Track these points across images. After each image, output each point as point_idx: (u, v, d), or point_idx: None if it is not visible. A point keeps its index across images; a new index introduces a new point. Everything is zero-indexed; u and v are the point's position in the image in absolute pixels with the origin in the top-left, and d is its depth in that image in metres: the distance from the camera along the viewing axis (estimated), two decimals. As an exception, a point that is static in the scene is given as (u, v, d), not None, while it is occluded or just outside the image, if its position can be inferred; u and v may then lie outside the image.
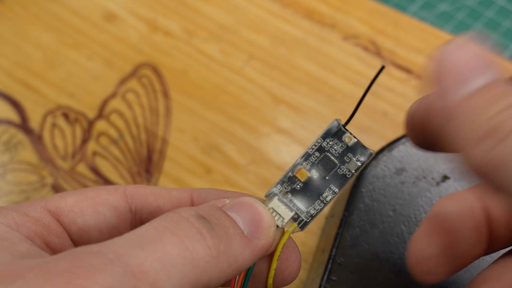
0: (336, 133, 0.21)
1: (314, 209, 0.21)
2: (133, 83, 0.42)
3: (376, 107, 0.40)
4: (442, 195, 0.29)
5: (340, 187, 0.21)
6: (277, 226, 0.21)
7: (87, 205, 0.20)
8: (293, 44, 0.43)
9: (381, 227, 0.28)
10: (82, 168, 0.39)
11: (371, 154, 0.21)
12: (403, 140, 0.30)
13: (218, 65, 0.43)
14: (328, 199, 0.21)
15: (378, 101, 0.41)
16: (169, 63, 0.43)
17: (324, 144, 0.21)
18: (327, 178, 0.21)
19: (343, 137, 0.21)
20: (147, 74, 0.42)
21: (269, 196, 0.21)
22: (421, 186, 0.29)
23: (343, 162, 0.21)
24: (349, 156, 0.21)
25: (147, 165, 0.39)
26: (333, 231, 0.29)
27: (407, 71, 0.42)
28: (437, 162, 0.30)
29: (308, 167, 0.21)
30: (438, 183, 0.29)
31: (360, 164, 0.21)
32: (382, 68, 0.20)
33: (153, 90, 0.42)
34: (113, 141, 0.40)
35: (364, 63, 0.42)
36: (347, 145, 0.21)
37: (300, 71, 0.42)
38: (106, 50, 0.44)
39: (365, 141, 0.38)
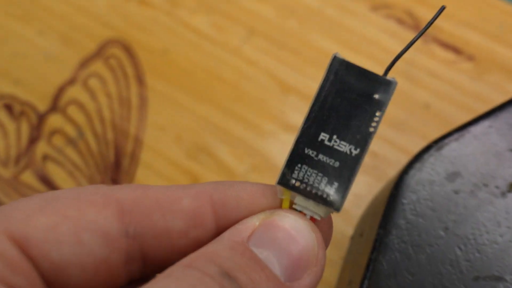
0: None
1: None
2: (97, 66, 0.42)
3: (414, 98, 0.40)
4: (509, 209, 0.28)
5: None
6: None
7: (65, 231, 0.18)
8: (306, 16, 0.43)
9: (429, 251, 0.28)
10: (28, 176, 0.39)
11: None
12: (456, 135, 0.30)
13: (210, 43, 0.43)
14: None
15: (418, 89, 0.40)
16: (145, 40, 0.43)
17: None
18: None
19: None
20: (117, 53, 0.42)
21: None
22: (481, 197, 0.29)
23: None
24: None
25: (114, 173, 0.39)
26: (363, 256, 0.28)
27: (455, 50, 0.42)
28: (502, 165, 0.29)
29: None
30: (503, 193, 0.29)
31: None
32: (442, 8, 0.20)
33: (124, 75, 0.42)
34: (70, 141, 0.40)
35: (398, 39, 0.42)
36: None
37: (315, 51, 0.42)
38: (64, 22, 0.43)
39: (401, 140, 0.38)
